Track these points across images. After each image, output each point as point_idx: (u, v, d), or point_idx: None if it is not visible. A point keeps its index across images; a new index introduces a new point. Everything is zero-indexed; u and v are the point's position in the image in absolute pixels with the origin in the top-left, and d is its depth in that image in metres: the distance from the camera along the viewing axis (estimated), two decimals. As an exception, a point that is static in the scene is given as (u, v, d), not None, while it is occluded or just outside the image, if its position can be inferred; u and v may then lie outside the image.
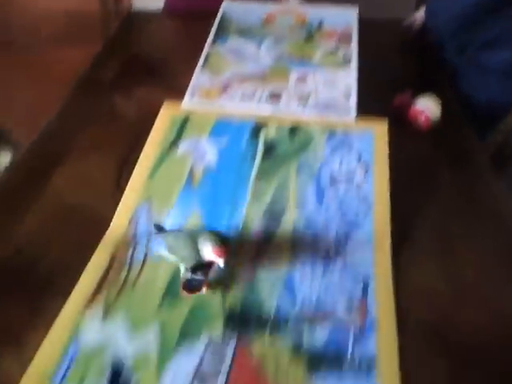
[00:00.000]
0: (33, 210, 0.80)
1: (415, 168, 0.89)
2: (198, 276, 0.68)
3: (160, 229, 0.75)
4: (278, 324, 0.65)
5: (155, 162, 0.88)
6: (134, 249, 0.75)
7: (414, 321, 0.67)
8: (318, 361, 0.62)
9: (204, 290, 0.68)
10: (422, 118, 0.95)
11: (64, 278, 0.70)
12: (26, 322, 0.65)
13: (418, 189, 0.85)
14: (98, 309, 0.67)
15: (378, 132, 0.93)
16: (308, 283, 0.71)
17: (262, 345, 0.63)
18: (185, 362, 0.61)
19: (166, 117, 0.97)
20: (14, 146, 1.43)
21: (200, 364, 0.61)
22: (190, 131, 0.94)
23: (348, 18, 1.27)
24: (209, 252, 0.63)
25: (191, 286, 0.69)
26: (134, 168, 0.87)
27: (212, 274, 0.69)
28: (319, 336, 0.64)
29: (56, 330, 0.64)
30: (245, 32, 1.22)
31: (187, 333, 0.64)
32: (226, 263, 0.64)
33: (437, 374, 0.62)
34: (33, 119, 1.03)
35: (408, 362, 0.62)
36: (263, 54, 1.13)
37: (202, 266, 0.66)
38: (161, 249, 0.71)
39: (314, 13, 1.29)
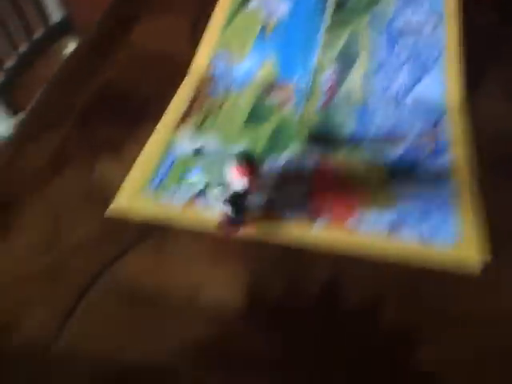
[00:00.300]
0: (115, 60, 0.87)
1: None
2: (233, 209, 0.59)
3: (198, 152, 0.72)
4: (355, 143, 0.71)
5: (228, 17, 0.91)
6: (216, 84, 0.81)
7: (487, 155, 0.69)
8: (395, 169, 0.67)
9: (242, 228, 0.60)
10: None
11: (154, 107, 0.77)
12: (124, 137, 0.72)
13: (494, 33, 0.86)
14: (188, 129, 0.74)
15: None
16: (381, 113, 0.75)
17: (341, 157, 0.69)
18: (273, 167, 0.68)
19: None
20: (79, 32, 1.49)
21: (286, 167, 0.68)
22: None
23: None
24: (231, 172, 0.57)
25: (230, 222, 0.60)
26: (206, 25, 0.91)
27: (251, 206, 0.61)
28: (395, 153, 0.69)
29: (152, 143, 0.72)
30: None
31: (273, 147, 0.71)
32: (250, 186, 0.56)
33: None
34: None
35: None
36: None
37: (236, 199, 0.58)
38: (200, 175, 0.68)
39: None
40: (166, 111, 0.76)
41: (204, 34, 0.89)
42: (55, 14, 1.41)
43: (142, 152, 0.70)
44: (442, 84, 0.79)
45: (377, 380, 0.49)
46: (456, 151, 0.70)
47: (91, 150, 0.70)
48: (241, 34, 0.89)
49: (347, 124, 0.74)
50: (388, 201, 0.63)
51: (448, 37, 0.86)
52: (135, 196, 0.65)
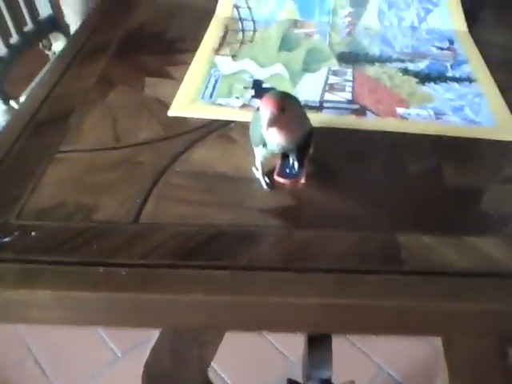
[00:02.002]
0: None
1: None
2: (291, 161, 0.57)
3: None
4: (383, 61, 0.77)
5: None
6: (242, 24, 0.86)
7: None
8: (425, 77, 0.74)
9: (303, 179, 0.56)
10: None
11: (188, 42, 0.81)
12: (164, 64, 0.75)
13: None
14: (226, 55, 0.77)
15: None
16: (401, 38, 0.83)
17: (373, 71, 0.75)
18: (314, 79, 0.73)
19: None
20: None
21: (327, 79, 0.72)
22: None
23: None
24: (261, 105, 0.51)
25: (288, 174, 0.56)
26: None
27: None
28: (421, 65, 0.76)
29: (196, 64, 0.75)
30: None
31: (309, 66, 0.76)
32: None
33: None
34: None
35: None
36: None
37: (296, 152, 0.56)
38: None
39: None
40: (201, 44, 0.80)
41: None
42: (44, 11, 1.44)
43: (188, 72, 0.73)
44: (448, 15, 0.88)
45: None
46: (472, 63, 0.78)
47: (137, 73, 0.73)
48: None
49: (372, 48, 0.82)
50: (424, 99, 0.69)
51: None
52: (192, 101, 0.68)
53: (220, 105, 0.67)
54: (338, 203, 0.54)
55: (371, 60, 0.78)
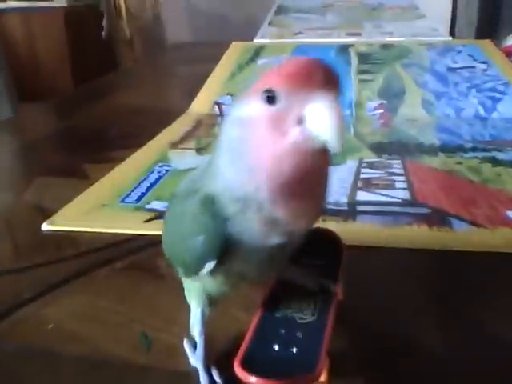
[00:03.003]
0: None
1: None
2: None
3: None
4: (451, 149, 0.46)
5: (233, 70, 0.74)
6: (223, 118, 0.58)
7: None
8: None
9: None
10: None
11: (136, 138, 0.52)
12: (84, 162, 0.45)
13: None
14: (189, 148, 0.48)
15: (485, 45, 0.81)
16: (466, 127, 0.53)
17: (441, 161, 0.44)
18: (334, 175, 0.41)
19: (237, 48, 0.85)
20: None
21: (357, 173, 0.41)
22: (267, 53, 0.82)
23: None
24: None
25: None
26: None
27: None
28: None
29: (133, 159, 0.45)
30: (306, 10, 1.17)
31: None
32: None
33: None
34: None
35: None
36: (330, 19, 1.06)
37: None
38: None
39: None
40: (153, 139, 0.52)
41: (205, 85, 0.71)
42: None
43: (114, 170, 0.43)
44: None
45: None
46: None
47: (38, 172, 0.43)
48: (250, 82, 0.72)
49: (426, 137, 0.51)
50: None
51: (507, 72, 0.70)
52: (95, 207, 0.35)
53: (147, 210, 0.35)
54: None
55: (430, 150, 0.47)
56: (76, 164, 0.46)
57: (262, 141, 0.18)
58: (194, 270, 0.20)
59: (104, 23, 2.58)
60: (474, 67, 0.73)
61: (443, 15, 1.26)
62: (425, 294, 0.26)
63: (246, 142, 0.18)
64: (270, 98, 0.17)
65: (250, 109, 0.18)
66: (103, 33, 2.56)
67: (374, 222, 0.33)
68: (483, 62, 0.74)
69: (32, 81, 2.33)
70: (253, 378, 0.18)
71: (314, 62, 0.18)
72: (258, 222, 0.19)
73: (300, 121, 0.17)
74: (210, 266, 0.19)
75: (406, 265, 0.29)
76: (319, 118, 0.17)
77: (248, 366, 0.19)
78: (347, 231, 0.26)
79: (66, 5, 2.65)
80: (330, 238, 0.26)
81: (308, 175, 0.18)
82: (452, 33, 1.28)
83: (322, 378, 0.20)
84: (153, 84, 0.83)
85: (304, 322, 0.21)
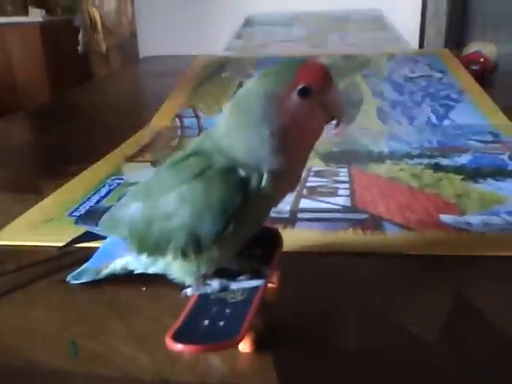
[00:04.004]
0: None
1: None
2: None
3: None
4: (398, 156, 0.48)
5: (196, 83, 0.76)
6: (184, 130, 0.59)
7: None
8: (474, 172, 0.43)
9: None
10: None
11: (92, 152, 0.52)
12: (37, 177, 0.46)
13: None
14: (145, 161, 0.49)
15: (443, 54, 0.84)
16: (417, 135, 0.55)
17: (386, 167, 0.45)
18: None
19: (202, 61, 0.87)
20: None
21: (304, 182, 0.42)
22: (231, 66, 0.83)
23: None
24: None
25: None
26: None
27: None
28: (460, 160, 0.46)
29: (86, 173, 0.45)
30: (273, 23, 1.19)
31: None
32: None
33: None
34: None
35: None
36: (296, 31, 1.09)
37: None
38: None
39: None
40: (110, 153, 0.52)
41: (168, 98, 0.72)
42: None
43: (67, 184, 0.43)
44: (477, 110, 0.62)
45: None
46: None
47: None
48: (213, 95, 0.72)
49: (376, 145, 0.52)
50: (490, 201, 0.38)
51: (462, 80, 0.72)
52: (43, 221, 0.36)
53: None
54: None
55: (378, 158, 0.48)
56: (31, 179, 0.46)
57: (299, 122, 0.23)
58: (207, 240, 0.23)
59: (80, 37, 2.59)
60: (430, 76, 0.75)
61: (411, 26, 1.29)
62: (349, 296, 0.27)
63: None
64: (306, 93, 0.23)
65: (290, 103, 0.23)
66: (79, 47, 2.56)
67: (313, 228, 0.34)
68: (440, 71, 0.77)
69: (8, 95, 2.33)
70: (179, 346, 0.21)
71: (324, 65, 0.25)
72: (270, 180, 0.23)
73: (324, 103, 0.24)
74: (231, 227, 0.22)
75: (337, 269, 0.30)
76: (338, 103, 0.25)
77: (178, 338, 0.22)
78: (285, 237, 0.28)
79: (41, 20, 2.65)
80: (270, 232, 0.28)
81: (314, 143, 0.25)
82: (421, 43, 1.31)
83: (247, 348, 0.23)
84: (120, 97, 0.84)
85: (233, 300, 0.24)
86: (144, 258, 0.25)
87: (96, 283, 0.28)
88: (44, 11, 2.86)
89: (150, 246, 0.24)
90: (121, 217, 0.25)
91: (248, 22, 1.21)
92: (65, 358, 0.23)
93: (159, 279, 0.26)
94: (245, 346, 0.22)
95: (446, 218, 0.35)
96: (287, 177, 0.24)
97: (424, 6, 1.54)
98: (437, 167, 0.45)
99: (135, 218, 0.24)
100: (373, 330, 0.25)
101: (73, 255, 0.31)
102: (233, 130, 0.23)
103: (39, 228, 0.36)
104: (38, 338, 0.24)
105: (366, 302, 0.26)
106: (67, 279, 0.28)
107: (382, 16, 1.14)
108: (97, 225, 0.26)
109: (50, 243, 0.33)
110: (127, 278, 0.28)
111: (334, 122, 0.25)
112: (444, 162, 0.47)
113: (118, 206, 0.26)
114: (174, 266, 0.24)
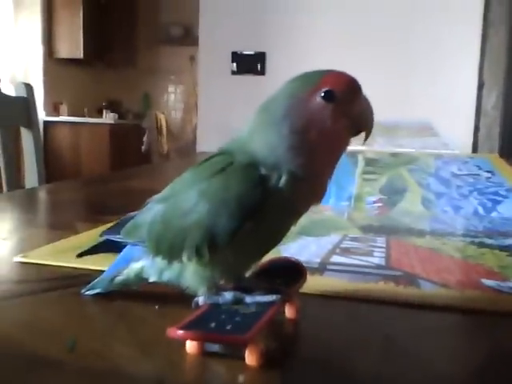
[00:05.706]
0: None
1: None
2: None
3: None
4: (440, 233, 0.46)
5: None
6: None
7: None
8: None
9: None
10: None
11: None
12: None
13: None
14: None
15: (493, 158, 0.83)
16: (461, 220, 0.53)
17: (426, 241, 0.43)
18: (315, 242, 0.40)
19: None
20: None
21: (339, 243, 0.40)
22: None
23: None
24: None
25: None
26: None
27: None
28: (507, 241, 0.43)
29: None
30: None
31: (310, 230, 0.44)
32: None
33: None
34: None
35: None
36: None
37: None
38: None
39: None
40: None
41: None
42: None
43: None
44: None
45: None
46: None
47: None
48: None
49: (418, 223, 0.50)
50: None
51: (511, 179, 0.71)
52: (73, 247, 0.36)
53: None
54: None
55: (419, 233, 0.46)
56: (71, 222, 0.48)
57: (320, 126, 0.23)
58: (223, 237, 0.22)
59: (145, 139, 2.80)
60: (478, 175, 0.75)
61: (460, 133, 1.31)
62: (373, 334, 0.25)
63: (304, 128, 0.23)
64: (330, 97, 0.23)
65: (312, 104, 0.23)
66: (143, 147, 2.77)
67: (341, 277, 0.32)
68: (489, 171, 0.76)
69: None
70: (180, 332, 0.21)
71: (352, 76, 0.25)
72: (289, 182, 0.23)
73: (349, 112, 0.23)
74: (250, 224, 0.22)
75: (362, 313, 0.28)
76: (364, 114, 0.24)
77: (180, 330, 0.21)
78: (312, 282, 0.27)
79: (113, 122, 2.92)
80: (292, 265, 0.27)
81: (338, 154, 0.24)
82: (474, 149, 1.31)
83: (254, 361, 0.21)
84: (167, 178, 0.88)
85: (245, 312, 0.23)
86: (159, 261, 0.24)
87: (109, 296, 0.27)
88: (117, 115, 3.16)
89: (166, 246, 0.24)
90: (142, 221, 0.25)
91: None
92: (59, 351, 0.22)
93: (173, 299, 0.25)
94: (252, 359, 0.20)
95: (487, 282, 0.32)
96: (308, 184, 0.23)
97: (476, 128, 1.58)
98: (481, 244, 0.42)
99: (155, 219, 0.24)
100: (380, 352, 0.22)
101: (92, 275, 0.30)
102: (256, 129, 0.24)
103: (66, 253, 0.36)
104: (39, 334, 0.23)
105: (384, 344, 0.24)
106: (81, 291, 0.27)
107: (430, 124, 1.18)
108: (119, 233, 0.26)
109: (73, 264, 0.33)
110: (141, 295, 0.27)
111: (361, 135, 0.24)
112: (488, 241, 0.44)
113: (141, 213, 0.26)
114: (187, 272, 0.23)
